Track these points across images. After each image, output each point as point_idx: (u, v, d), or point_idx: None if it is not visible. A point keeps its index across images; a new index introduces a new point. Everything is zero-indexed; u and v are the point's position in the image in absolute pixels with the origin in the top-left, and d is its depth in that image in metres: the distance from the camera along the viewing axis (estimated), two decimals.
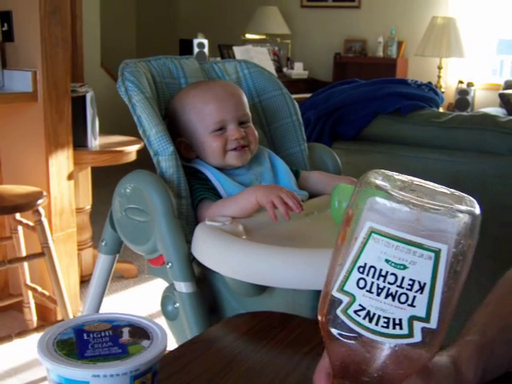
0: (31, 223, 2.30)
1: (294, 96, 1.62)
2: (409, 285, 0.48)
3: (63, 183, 2.51)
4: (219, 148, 1.35)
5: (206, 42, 4.24)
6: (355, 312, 0.50)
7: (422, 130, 2.16)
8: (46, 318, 2.58)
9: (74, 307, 2.52)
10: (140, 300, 2.87)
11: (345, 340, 0.51)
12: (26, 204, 2.18)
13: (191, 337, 0.97)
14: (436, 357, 0.59)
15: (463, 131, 2.07)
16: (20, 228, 2.40)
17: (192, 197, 1.32)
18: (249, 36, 5.78)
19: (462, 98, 5.01)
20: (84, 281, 2.81)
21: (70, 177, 2.54)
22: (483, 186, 1.95)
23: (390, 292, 0.49)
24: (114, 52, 5.44)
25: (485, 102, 5.06)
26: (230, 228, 1.18)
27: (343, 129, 2.28)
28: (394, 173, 0.53)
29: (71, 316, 2.36)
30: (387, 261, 0.49)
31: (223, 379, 0.74)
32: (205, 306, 1.25)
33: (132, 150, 2.81)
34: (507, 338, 0.66)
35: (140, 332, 0.61)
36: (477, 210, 0.49)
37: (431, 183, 0.52)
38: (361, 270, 0.50)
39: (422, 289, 0.48)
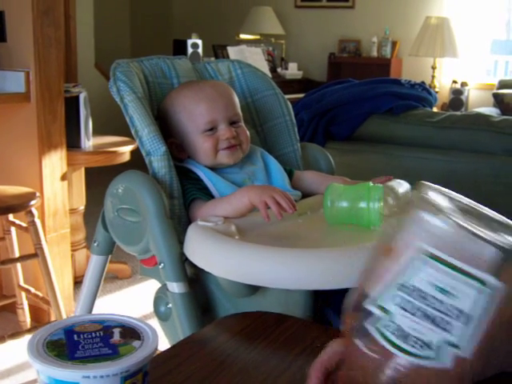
0: (24, 224, 2.29)
1: (288, 96, 1.62)
2: (448, 310, 0.47)
3: (56, 184, 2.50)
4: (210, 148, 1.34)
5: (200, 42, 4.24)
6: (386, 327, 0.49)
7: (416, 130, 2.16)
8: (39, 319, 2.58)
9: (68, 308, 2.52)
10: (134, 300, 2.86)
11: (367, 352, 0.51)
12: (19, 205, 2.17)
13: (183, 337, 0.97)
14: None
15: (457, 131, 2.07)
16: (13, 229, 2.39)
17: (184, 197, 1.32)
18: (243, 36, 5.78)
19: (456, 98, 5.02)
20: (78, 282, 2.80)
21: (63, 177, 2.53)
22: (477, 186, 1.96)
23: (427, 314, 0.48)
24: (108, 53, 5.42)
25: (479, 101, 5.08)
26: (222, 228, 1.17)
27: (337, 129, 2.28)
28: (451, 192, 0.52)
29: (65, 317, 2.35)
30: (432, 284, 0.48)
31: (215, 379, 0.74)
32: (197, 307, 1.25)
33: (126, 151, 2.81)
34: (508, 333, 0.66)
35: (131, 332, 0.61)
36: None
37: (482, 207, 0.51)
38: (402, 288, 0.49)
39: (461, 316, 0.47)
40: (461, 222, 0.47)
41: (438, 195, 0.50)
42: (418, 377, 0.50)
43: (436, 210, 0.48)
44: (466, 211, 0.49)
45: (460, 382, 0.51)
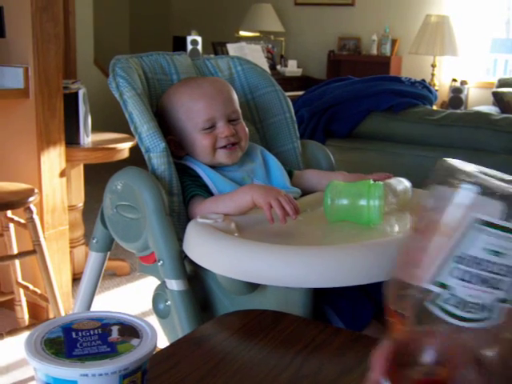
0: (23, 221, 2.29)
1: (287, 94, 1.61)
2: (500, 270, 0.50)
3: (55, 180, 2.49)
4: (209, 146, 1.34)
5: (199, 39, 4.23)
6: (445, 301, 0.51)
7: (416, 128, 2.16)
8: (37, 316, 2.57)
9: (66, 305, 2.51)
10: (132, 298, 2.86)
11: (421, 329, 0.52)
12: (18, 201, 2.17)
13: (182, 335, 0.97)
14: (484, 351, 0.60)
15: (457, 129, 2.07)
16: (11, 225, 2.39)
17: (183, 194, 1.31)
18: (243, 33, 5.77)
19: (456, 96, 5.01)
20: (76, 279, 2.79)
21: (62, 174, 2.53)
22: None
23: (482, 278, 0.50)
24: (108, 49, 5.41)
25: (478, 100, 5.07)
26: (222, 225, 1.17)
27: (336, 126, 2.28)
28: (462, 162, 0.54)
29: (63, 314, 2.35)
30: (486, 249, 0.50)
31: (214, 377, 0.73)
32: (196, 304, 1.24)
33: (125, 148, 2.80)
34: None
35: (129, 330, 0.60)
36: None
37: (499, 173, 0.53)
38: (457, 259, 0.50)
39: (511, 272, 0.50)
40: (499, 186, 0.50)
41: (460, 163, 0.53)
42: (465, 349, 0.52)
43: (467, 176, 0.50)
44: (489, 175, 0.52)
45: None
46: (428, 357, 0.53)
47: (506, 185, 0.50)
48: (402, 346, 0.54)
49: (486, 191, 0.50)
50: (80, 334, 0.59)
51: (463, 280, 0.50)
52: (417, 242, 0.53)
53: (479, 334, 0.52)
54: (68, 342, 0.58)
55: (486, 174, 0.52)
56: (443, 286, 0.51)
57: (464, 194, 0.50)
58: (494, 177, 0.52)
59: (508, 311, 0.51)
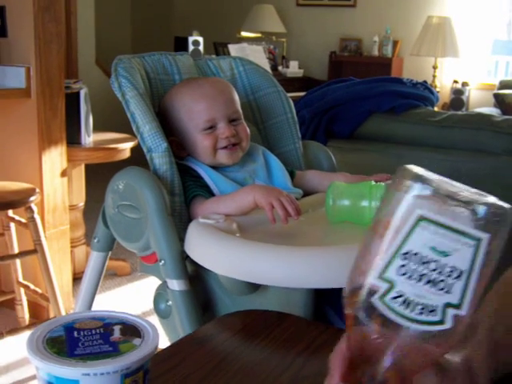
0: (24, 220, 2.29)
1: (289, 94, 1.61)
2: (449, 272, 0.50)
3: (56, 180, 2.49)
4: (209, 147, 1.34)
5: (201, 39, 4.23)
6: (393, 299, 0.51)
7: (417, 129, 2.15)
8: (38, 315, 2.57)
9: (67, 305, 2.51)
10: (133, 298, 2.86)
11: (370, 330, 0.52)
12: (19, 201, 2.17)
13: (184, 335, 0.97)
14: (450, 356, 0.60)
15: (458, 130, 2.07)
16: (12, 225, 2.39)
17: (185, 194, 1.31)
18: (244, 34, 5.77)
19: (457, 98, 5.01)
20: (77, 278, 2.79)
21: (63, 174, 2.53)
22: (478, 186, 1.95)
23: (430, 279, 0.50)
24: (109, 49, 5.42)
25: (479, 101, 5.07)
26: (223, 226, 1.17)
27: (338, 127, 2.28)
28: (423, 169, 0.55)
29: (64, 314, 2.35)
30: (432, 248, 0.50)
31: (216, 378, 0.73)
32: (198, 304, 1.24)
33: (126, 148, 2.80)
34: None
35: (131, 330, 0.60)
36: (509, 207, 0.51)
37: (455, 182, 0.53)
38: (404, 256, 0.51)
39: (459, 276, 0.50)
40: (447, 186, 0.51)
41: (419, 169, 0.53)
42: (419, 352, 0.52)
43: (424, 178, 0.51)
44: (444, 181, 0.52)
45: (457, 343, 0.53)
46: (384, 360, 0.53)
47: (458, 189, 0.50)
48: (358, 349, 0.54)
49: (437, 192, 0.50)
50: (82, 333, 0.59)
51: (410, 278, 0.50)
52: (370, 240, 0.53)
53: (435, 338, 0.51)
54: (70, 341, 0.58)
55: (442, 180, 0.53)
56: (390, 282, 0.51)
57: (413, 193, 0.51)
58: (449, 184, 0.52)
59: (459, 318, 0.50)
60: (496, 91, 4.59)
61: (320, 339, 0.85)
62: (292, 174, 1.46)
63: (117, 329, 0.60)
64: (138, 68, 1.38)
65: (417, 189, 0.51)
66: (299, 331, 0.87)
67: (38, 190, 2.26)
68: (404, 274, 0.51)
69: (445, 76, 5.27)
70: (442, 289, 0.50)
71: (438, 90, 4.93)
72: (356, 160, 2.18)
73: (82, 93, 2.68)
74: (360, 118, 2.24)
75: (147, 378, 0.58)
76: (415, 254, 0.50)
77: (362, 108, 2.24)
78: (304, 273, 1.05)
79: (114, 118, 3.50)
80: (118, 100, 1.33)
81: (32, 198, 2.19)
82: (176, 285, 1.23)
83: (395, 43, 5.34)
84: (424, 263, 0.50)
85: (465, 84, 5.08)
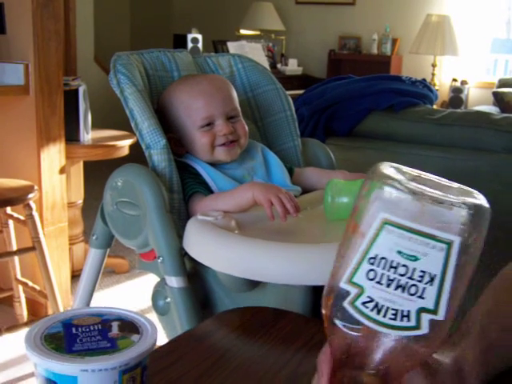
0: (22, 217, 2.28)
1: (287, 92, 1.61)
2: (419, 276, 0.48)
3: (55, 177, 2.49)
4: (207, 144, 1.34)
5: (200, 37, 4.23)
6: (363, 304, 0.50)
7: (416, 127, 2.15)
8: (36, 312, 2.57)
9: (65, 302, 2.51)
10: (131, 295, 2.86)
11: (350, 332, 0.51)
12: (17, 198, 2.16)
13: (182, 332, 0.97)
14: (440, 357, 0.59)
15: (457, 128, 2.06)
16: (11, 222, 2.39)
17: (184, 191, 1.31)
18: (243, 32, 5.77)
19: (456, 96, 5.01)
20: (75, 275, 2.79)
21: (61, 171, 2.52)
22: (477, 184, 1.95)
23: (400, 283, 0.49)
24: (108, 47, 5.41)
25: (478, 100, 5.07)
26: (222, 223, 1.17)
27: (337, 125, 2.27)
28: (402, 166, 0.53)
29: (62, 311, 2.35)
30: (399, 252, 0.48)
31: (214, 374, 0.73)
32: (196, 301, 1.24)
33: (124, 145, 2.80)
34: (507, 338, 0.66)
35: (130, 326, 0.60)
36: (485, 204, 0.49)
37: (437, 177, 0.52)
38: (371, 261, 0.49)
39: (432, 280, 0.48)
40: (415, 188, 0.48)
41: (390, 168, 0.52)
42: (404, 353, 0.51)
43: (390, 180, 0.49)
44: (421, 182, 0.50)
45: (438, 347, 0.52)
46: (368, 362, 0.52)
47: (433, 188, 0.49)
48: (340, 351, 0.53)
49: (406, 194, 0.48)
50: (80, 329, 0.59)
51: (379, 283, 0.49)
52: (342, 242, 0.52)
53: (417, 341, 0.50)
54: (68, 338, 0.57)
55: (416, 179, 0.51)
56: (359, 287, 0.50)
57: (379, 195, 0.50)
58: (424, 183, 0.51)
59: (437, 322, 0.49)
60: (495, 89, 4.59)
61: (318, 336, 0.85)
62: (291, 171, 1.46)
63: (115, 325, 0.60)
64: (137, 65, 1.38)
65: (383, 190, 0.49)
66: (297, 328, 0.86)
67: (36, 187, 2.25)
68: (373, 279, 0.49)
69: (444, 74, 5.27)
70: (413, 294, 0.48)
71: (437, 88, 4.93)
72: (355, 158, 2.18)
73: (81, 90, 2.68)
74: (359, 115, 2.23)
75: (145, 375, 0.58)
76: (382, 258, 0.49)
77: (360, 106, 2.23)
78: (302, 270, 1.05)
79: (112, 116, 3.50)
80: (116, 97, 1.33)
81: (30, 195, 2.18)
82: (174, 282, 1.23)
83: (394, 41, 5.34)
84: (392, 268, 0.49)
85: (464, 82, 5.08)
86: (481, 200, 0.49)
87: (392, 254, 0.49)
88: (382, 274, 0.49)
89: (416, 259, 0.48)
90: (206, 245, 1.15)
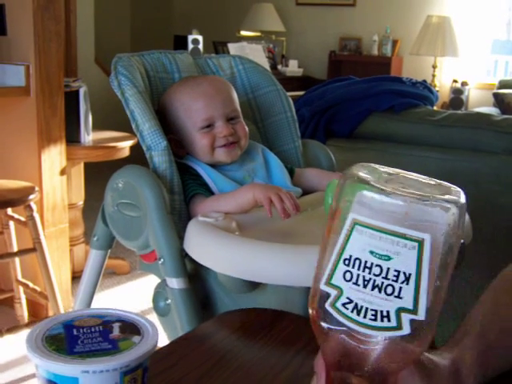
0: (23, 218, 2.29)
1: (288, 93, 1.61)
2: (394, 276, 0.48)
3: (55, 178, 2.49)
4: (207, 145, 1.34)
5: (200, 38, 4.22)
6: (343, 305, 0.50)
7: (417, 128, 2.15)
8: (37, 313, 2.57)
9: (66, 303, 2.51)
10: (132, 296, 2.86)
11: (335, 334, 0.51)
12: (18, 199, 2.17)
13: (183, 333, 0.97)
14: (437, 358, 0.59)
15: (458, 129, 2.07)
16: (11, 223, 2.39)
17: (184, 192, 1.31)
18: (244, 33, 5.77)
19: (456, 97, 5.01)
20: (76, 277, 2.79)
21: (62, 172, 2.53)
22: (477, 185, 1.95)
23: (376, 284, 0.48)
24: (109, 48, 5.41)
25: (479, 101, 5.07)
26: (222, 224, 1.17)
27: (337, 126, 2.28)
28: (381, 166, 0.53)
29: (62, 312, 2.35)
30: (372, 252, 0.48)
31: (214, 376, 0.73)
32: (197, 303, 1.24)
33: (125, 146, 2.80)
34: (506, 341, 0.66)
35: (131, 328, 0.60)
36: (462, 200, 0.49)
37: (417, 175, 0.52)
38: (346, 262, 0.49)
39: (407, 280, 0.48)
40: (385, 188, 0.48)
41: (362, 169, 0.51)
42: (393, 349, 0.50)
43: (360, 180, 0.49)
44: (397, 181, 0.50)
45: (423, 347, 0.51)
46: (359, 363, 0.51)
47: (403, 188, 0.48)
48: (332, 353, 0.53)
49: (377, 193, 0.48)
50: (81, 330, 0.59)
51: (356, 284, 0.49)
52: (322, 245, 0.52)
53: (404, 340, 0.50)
54: (69, 339, 0.57)
55: (394, 175, 0.51)
56: (338, 288, 0.50)
57: (350, 196, 0.50)
58: (404, 178, 0.50)
59: (419, 322, 0.48)
60: (495, 91, 4.59)
61: None
62: (291, 172, 1.46)
63: (116, 326, 0.60)
64: (138, 66, 1.38)
65: (353, 191, 0.49)
66: (298, 329, 0.86)
67: (37, 188, 2.26)
68: (349, 280, 0.49)
69: (444, 75, 5.27)
70: (390, 294, 0.48)
71: (437, 89, 4.93)
72: (355, 159, 2.18)
73: (82, 91, 2.68)
74: (359, 116, 2.24)
75: (146, 376, 0.58)
76: (356, 258, 0.49)
77: (361, 107, 2.23)
78: (303, 271, 1.05)
79: (113, 117, 3.50)
80: (117, 98, 1.33)
81: (31, 197, 2.18)
82: (175, 283, 1.23)
83: (395, 42, 5.34)
84: (367, 268, 0.48)
85: (464, 83, 5.08)
86: (458, 196, 0.49)
87: (365, 255, 0.48)
88: (358, 275, 0.49)
89: (389, 259, 0.48)
90: (207, 246, 1.15)
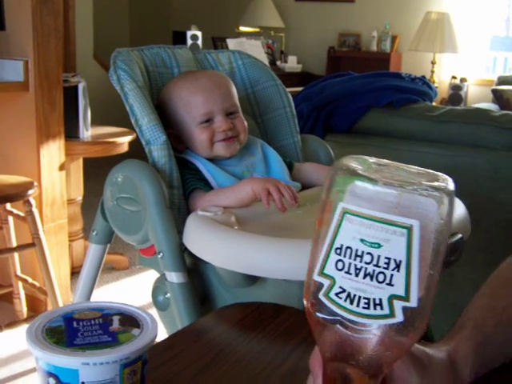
0: (22, 214, 2.29)
1: (287, 89, 1.61)
2: (385, 263, 0.48)
3: (54, 174, 2.49)
4: (206, 140, 1.34)
5: (199, 34, 4.22)
6: (336, 294, 0.50)
7: (415, 124, 2.15)
8: (36, 309, 2.57)
9: (65, 298, 2.51)
10: (131, 291, 2.86)
11: (330, 324, 0.51)
12: (17, 194, 2.17)
13: (182, 327, 0.97)
14: (433, 351, 0.59)
15: (457, 125, 2.07)
16: (10, 218, 2.39)
17: (184, 187, 1.31)
18: (243, 29, 5.76)
19: (455, 93, 5.01)
20: (75, 272, 2.79)
21: (61, 167, 2.53)
22: (476, 181, 1.95)
23: (367, 272, 0.48)
24: (107, 43, 5.40)
25: (478, 97, 5.07)
26: (222, 218, 1.17)
27: (336, 121, 2.27)
28: (370, 157, 0.53)
29: None
30: (362, 240, 0.48)
31: (213, 369, 0.74)
32: (196, 297, 1.24)
33: (124, 141, 2.80)
34: (503, 333, 0.66)
35: (130, 320, 0.60)
36: (451, 187, 0.49)
37: (406, 165, 0.52)
38: (338, 251, 0.49)
39: (398, 267, 0.48)
40: (374, 177, 0.49)
41: (352, 160, 0.52)
42: (387, 338, 0.50)
43: (348, 170, 0.50)
44: (386, 170, 0.51)
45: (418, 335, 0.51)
46: (352, 354, 0.51)
47: (391, 177, 0.49)
48: (327, 345, 0.53)
49: (365, 182, 0.49)
50: (81, 323, 0.59)
51: (348, 272, 0.49)
52: (314, 236, 0.53)
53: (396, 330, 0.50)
54: (69, 332, 0.58)
55: (384, 166, 0.51)
56: (331, 278, 0.50)
57: (339, 187, 0.50)
58: (394, 168, 0.51)
59: (411, 310, 0.49)
60: (494, 87, 4.59)
61: None
62: (291, 166, 1.47)
63: (116, 319, 0.60)
64: (137, 61, 1.38)
65: (342, 181, 0.50)
66: (297, 323, 0.87)
67: (36, 183, 2.26)
68: (341, 269, 0.49)
69: (443, 71, 5.27)
70: (382, 281, 0.48)
71: (436, 85, 4.92)
72: (354, 154, 2.18)
73: (80, 86, 2.68)
74: (358, 112, 2.23)
75: (146, 369, 0.59)
76: (347, 247, 0.49)
77: (360, 102, 2.23)
78: (302, 265, 1.05)
79: (112, 112, 3.50)
80: (116, 94, 1.33)
81: (30, 192, 2.19)
82: (174, 277, 1.23)
83: (394, 38, 5.34)
84: (358, 256, 0.48)
85: (463, 80, 5.08)
86: (446, 183, 0.49)
87: (356, 243, 0.49)
88: (350, 264, 0.49)
89: (379, 246, 0.48)
90: (206, 240, 1.15)
